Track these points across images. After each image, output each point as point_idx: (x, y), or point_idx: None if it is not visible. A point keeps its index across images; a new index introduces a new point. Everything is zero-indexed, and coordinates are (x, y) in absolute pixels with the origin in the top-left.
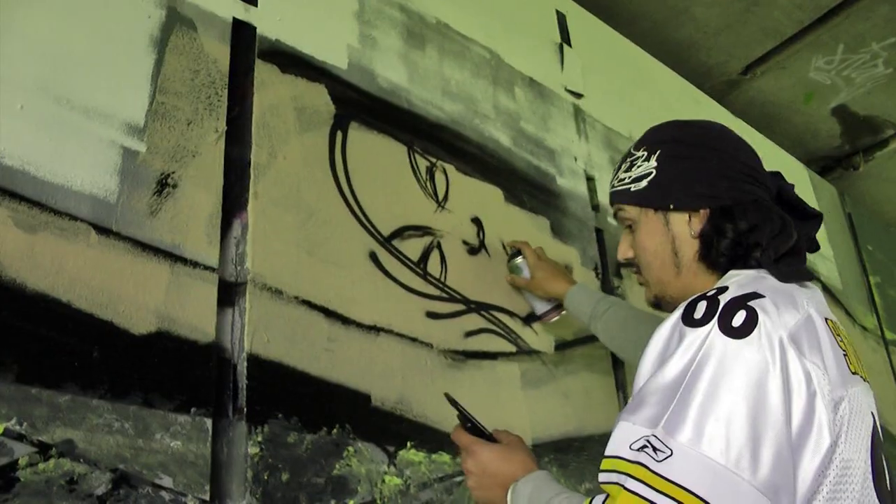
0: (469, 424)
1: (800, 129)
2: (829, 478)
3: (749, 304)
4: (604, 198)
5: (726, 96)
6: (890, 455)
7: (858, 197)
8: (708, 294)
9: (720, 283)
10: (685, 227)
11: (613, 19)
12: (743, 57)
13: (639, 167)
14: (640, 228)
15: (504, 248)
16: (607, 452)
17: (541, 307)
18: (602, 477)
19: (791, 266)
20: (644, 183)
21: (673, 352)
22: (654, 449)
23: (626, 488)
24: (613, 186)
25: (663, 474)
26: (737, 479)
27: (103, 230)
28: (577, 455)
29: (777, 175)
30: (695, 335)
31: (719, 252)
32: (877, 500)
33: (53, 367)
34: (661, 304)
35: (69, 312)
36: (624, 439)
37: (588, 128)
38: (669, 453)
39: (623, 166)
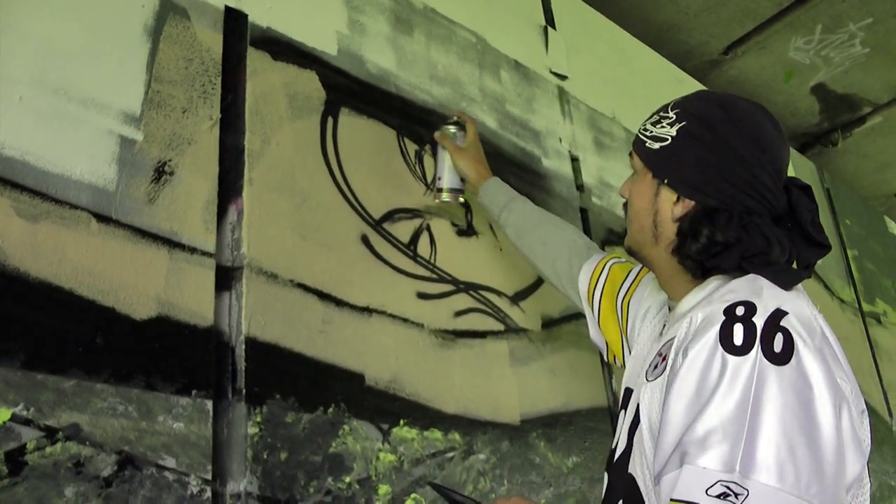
0: None
1: (780, 108)
2: (864, 489)
3: (782, 325)
4: (588, 178)
5: (708, 76)
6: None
7: (837, 173)
8: (737, 314)
9: (741, 295)
10: (670, 206)
11: (596, 1)
12: (723, 37)
13: (663, 127)
14: (638, 182)
15: (495, 235)
16: (677, 496)
17: (449, 181)
18: None
19: (786, 274)
20: (657, 145)
21: (718, 382)
22: (736, 495)
23: None
24: (639, 132)
25: None
26: None
27: (103, 218)
28: (564, 429)
29: (804, 190)
30: (740, 363)
31: (688, 254)
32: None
33: (58, 353)
34: (634, 257)
35: (72, 300)
36: (697, 484)
37: (572, 109)
38: (746, 494)
39: (653, 118)
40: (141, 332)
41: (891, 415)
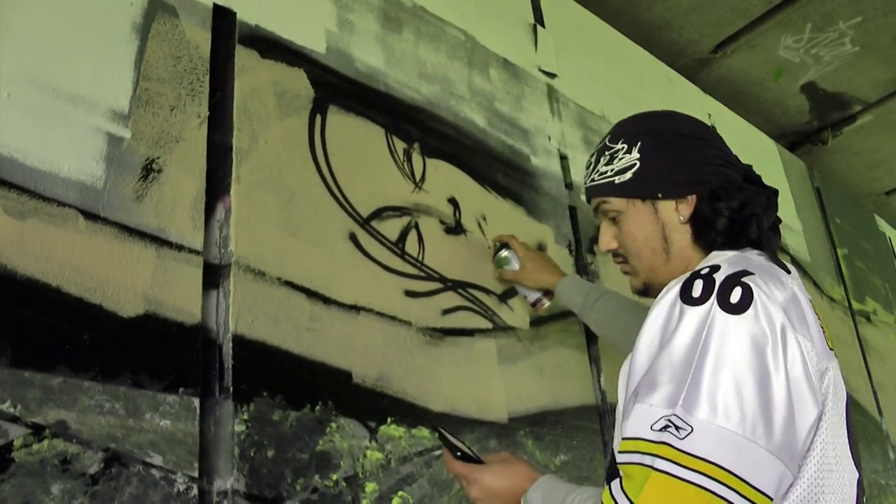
0: (459, 453)
1: (770, 106)
2: (819, 440)
3: (743, 280)
4: (577, 176)
5: (698, 74)
6: (855, 422)
7: (827, 171)
8: (702, 272)
9: (709, 262)
10: (673, 214)
11: None
12: (714, 35)
13: (620, 160)
14: (627, 219)
15: (480, 226)
16: (627, 434)
17: (532, 296)
18: (622, 458)
19: (770, 245)
20: (629, 174)
21: (675, 330)
22: (677, 428)
23: (655, 469)
24: (594, 181)
25: (688, 451)
26: (755, 446)
27: (91, 216)
28: (552, 428)
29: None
30: (695, 313)
31: (717, 231)
32: (854, 466)
33: (45, 350)
34: (650, 291)
35: (59, 297)
36: (643, 421)
37: (561, 107)
38: (690, 430)
39: (602, 160)
40: (128, 329)
41: (880, 413)
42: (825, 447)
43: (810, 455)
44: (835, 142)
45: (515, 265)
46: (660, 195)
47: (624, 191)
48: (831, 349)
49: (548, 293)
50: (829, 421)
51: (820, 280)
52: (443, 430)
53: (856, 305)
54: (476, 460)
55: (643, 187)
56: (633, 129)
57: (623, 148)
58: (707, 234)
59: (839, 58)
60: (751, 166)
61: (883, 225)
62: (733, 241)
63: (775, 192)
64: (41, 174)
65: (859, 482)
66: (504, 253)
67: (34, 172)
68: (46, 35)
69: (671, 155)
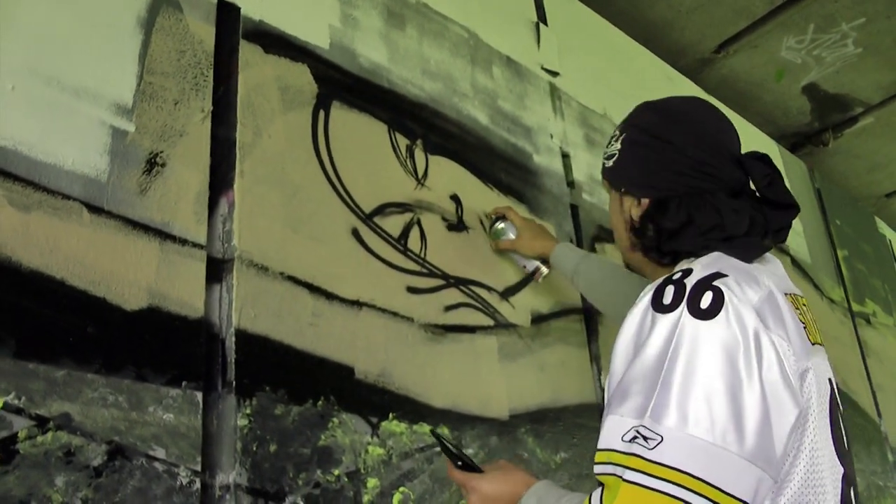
0: (459, 463)
1: (771, 107)
2: (807, 441)
3: (714, 284)
4: (579, 175)
5: (700, 74)
6: (854, 423)
7: (827, 173)
8: (674, 278)
9: (684, 266)
10: (634, 210)
11: None
12: (716, 36)
13: (612, 146)
14: (610, 202)
15: (482, 221)
16: (600, 446)
17: (530, 265)
18: (598, 469)
19: (746, 246)
20: (611, 162)
21: (646, 338)
22: (645, 438)
23: (624, 480)
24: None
25: (657, 460)
26: (726, 452)
27: (95, 209)
28: (552, 425)
29: (760, 159)
30: (666, 321)
31: (646, 246)
32: (838, 462)
33: (50, 342)
34: (629, 268)
35: (64, 290)
36: (615, 432)
37: (564, 105)
38: (659, 440)
39: (608, 141)
40: (132, 322)
41: (879, 415)
42: (814, 447)
43: (800, 456)
44: (836, 143)
45: (512, 235)
46: (623, 190)
47: (607, 175)
48: (815, 343)
49: (545, 262)
50: (815, 421)
51: (820, 281)
52: (444, 441)
53: (855, 307)
54: (476, 469)
55: (615, 177)
56: (631, 119)
57: (616, 135)
58: (639, 245)
59: (841, 59)
60: (771, 173)
61: (883, 227)
62: (669, 256)
63: (789, 206)
64: (45, 167)
65: (844, 477)
66: (500, 225)
67: (38, 165)
68: (51, 28)
69: (640, 154)
